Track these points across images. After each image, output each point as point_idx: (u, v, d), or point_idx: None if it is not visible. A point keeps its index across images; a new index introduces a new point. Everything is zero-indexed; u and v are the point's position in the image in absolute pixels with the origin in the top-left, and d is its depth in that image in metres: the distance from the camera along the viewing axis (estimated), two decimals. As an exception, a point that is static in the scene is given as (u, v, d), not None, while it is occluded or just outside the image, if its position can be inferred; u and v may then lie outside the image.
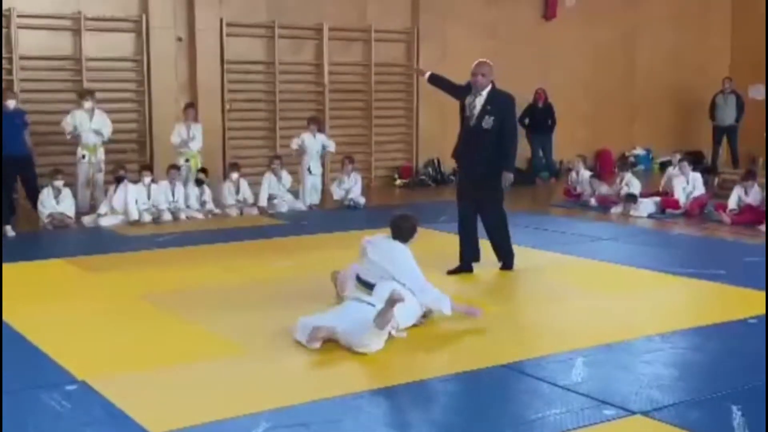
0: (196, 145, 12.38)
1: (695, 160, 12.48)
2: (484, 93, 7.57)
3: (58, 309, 6.68)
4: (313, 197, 12.77)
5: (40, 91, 12.35)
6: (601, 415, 4.42)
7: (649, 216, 11.48)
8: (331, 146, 13.08)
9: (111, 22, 13.03)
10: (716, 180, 14.07)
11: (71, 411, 4.49)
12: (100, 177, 11.89)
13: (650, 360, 5.39)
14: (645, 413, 4.46)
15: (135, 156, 13.18)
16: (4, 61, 12.30)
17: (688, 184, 11.74)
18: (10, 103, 11.03)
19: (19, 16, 12.25)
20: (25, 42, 12.36)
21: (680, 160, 12.26)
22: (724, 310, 6.52)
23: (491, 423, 4.38)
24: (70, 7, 12.66)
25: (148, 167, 11.98)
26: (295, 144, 12.76)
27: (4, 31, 12.26)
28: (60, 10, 12.63)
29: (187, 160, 12.32)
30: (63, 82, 12.72)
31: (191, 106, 12.59)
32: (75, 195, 11.31)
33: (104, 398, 4.64)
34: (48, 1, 12.52)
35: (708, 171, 14.97)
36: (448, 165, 15.97)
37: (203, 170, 12.17)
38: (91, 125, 11.63)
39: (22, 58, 12.35)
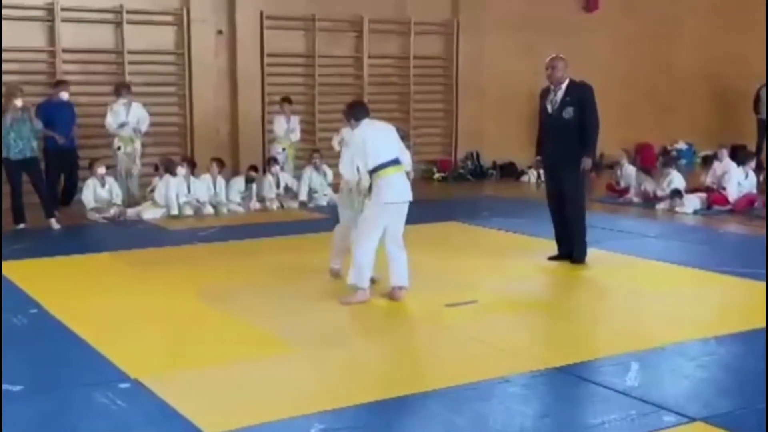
0: (295, 136, 13.02)
1: (746, 155, 12.20)
2: (563, 86, 7.99)
3: (107, 305, 6.69)
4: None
5: (82, 84, 12.40)
6: (661, 422, 4.34)
7: (695, 212, 11.32)
8: None
9: (152, 15, 13.07)
10: (762, 175, 13.80)
11: (125, 410, 4.49)
12: (136, 169, 11.94)
13: (706, 364, 5.29)
14: (705, 420, 4.37)
15: (176, 149, 13.22)
16: (46, 54, 12.42)
17: (746, 179, 11.55)
18: (64, 95, 11.29)
19: (62, 10, 12.32)
20: (68, 35, 12.42)
21: (731, 155, 12.06)
22: (780, 311, 6.37)
23: (549, 429, 4.32)
24: (111, 0, 12.71)
25: (187, 159, 12.03)
26: (336, 143, 12.73)
27: (47, 24, 12.35)
28: (102, 3, 12.67)
29: (283, 149, 12.85)
30: (105, 75, 12.77)
31: (288, 100, 12.96)
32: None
33: (158, 397, 4.63)
34: (90, -7, 12.61)
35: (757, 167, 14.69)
36: (488, 159, 15.91)
37: (254, 168, 12.21)
38: (128, 118, 11.68)
39: (65, 51, 12.42)
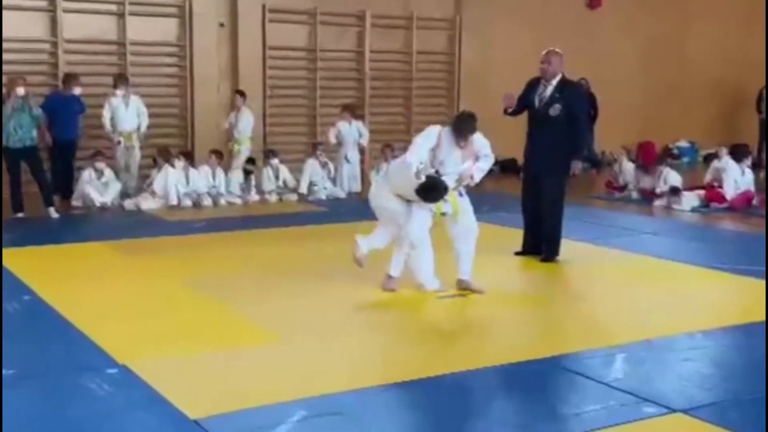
0: (239, 133, 12.52)
1: (743, 152, 12.15)
2: (554, 82, 7.83)
3: (99, 292, 6.74)
4: (352, 185, 12.78)
5: (83, 75, 12.41)
6: (640, 413, 4.36)
7: (693, 210, 11.33)
8: (365, 137, 13.01)
9: (154, 7, 13.11)
10: (761, 174, 13.81)
11: (111, 394, 4.53)
12: (135, 162, 11.97)
13: (692, 357, 5.31)
14: (686, 411, 4.38)
15: (176, 141, 13.25)
16: (48, 45, 12.46)
17: (743, 176, 11.55)
18: (77, 90, 11.39)
19: (64, 0, 12.35)
20: (70, 25, 12.46)
21: (730, 153, 12.06)
22: (768, 307, 6.37)
23: (527, 417, 4.35)
24: (114, -8, 12.76)
25: (184, 152, 12.06)
26: (332, 137, 12.75)
27: (49, 14, 12.39)
28: (105, -6, 12.74)
29: (235, 145, 12.55)
30: (106, 66, 12.80)
31: (236, 92, 12.75)
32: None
33: (144, 382, 4.67)
34: (93, -16, 12.64)
35: (754, 165, 14.69)
36: (489, 154, 15.90)
37: (251, 160, 12.19)
38: (127, 112, 11.68)
39: (66, 41, 12.46)
